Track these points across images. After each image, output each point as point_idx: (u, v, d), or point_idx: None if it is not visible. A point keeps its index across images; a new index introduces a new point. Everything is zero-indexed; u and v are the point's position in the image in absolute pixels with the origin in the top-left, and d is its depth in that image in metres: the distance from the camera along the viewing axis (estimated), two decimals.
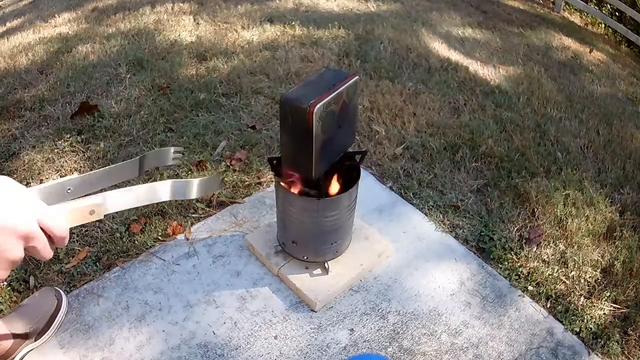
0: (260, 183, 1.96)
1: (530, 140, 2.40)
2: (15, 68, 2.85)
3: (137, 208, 1.74)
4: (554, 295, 1.61)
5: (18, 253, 0.49)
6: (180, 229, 1.73)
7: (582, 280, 1.67)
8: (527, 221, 1.89)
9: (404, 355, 1.39)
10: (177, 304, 1.49)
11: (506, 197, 1.99)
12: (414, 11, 4.25)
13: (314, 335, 1.42)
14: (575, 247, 1.79)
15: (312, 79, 1.27)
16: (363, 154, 1.45)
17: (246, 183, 1.95)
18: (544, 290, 1.61)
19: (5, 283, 1.51)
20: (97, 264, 1.60)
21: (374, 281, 1.59)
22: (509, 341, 1.45)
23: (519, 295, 1.59)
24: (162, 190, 0.67)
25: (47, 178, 1.95)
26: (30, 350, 1.32)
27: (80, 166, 2.02)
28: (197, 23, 3.50)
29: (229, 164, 2.04)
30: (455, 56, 3.34)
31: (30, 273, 1.55)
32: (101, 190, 0.61)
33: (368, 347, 1.40)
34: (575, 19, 5.99)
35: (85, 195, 0.59)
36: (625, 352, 1.46)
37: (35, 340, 1.32)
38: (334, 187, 1.48)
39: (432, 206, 1.90)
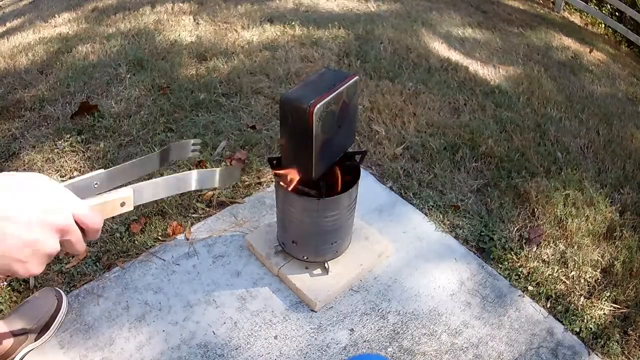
0: (260, 183, 1.96)
1: (530, 140, 2.40)
2: (15, 68, 2.85)
3: (137, 207, 1.74)
4: (554, 295, 1.61)
5: (55, 247, 0.50)
6: (180, 229, 1.73)
7: (582, 280, 1.67)
8: (527, 221, 1.89)
9: (404, 355, 1.39)
10: (177, 304, 1.49)
11: (506, 197, 1.99)
12: (414, 11, 4.25)
13: (314, 335, 1.42)
14: (575, 247, 1.79)
15: (312, 79, 1.27)
16: (363, 154, 1.45)
17: (246, 183, 1.95)
18: (544, 290, 1.61)
19: (5, 283, 1.52)
20: (97, 264, 1.60)
21: (374, 281, 1.59)
22: (509, 341, 1.45)
23: (519, 295, 1.59)
24: (187, 180, 0.70)
25: None
26: (30, 350, 1.32)
27: (80, 166, 2.02)
28: (197, 23, 3.50)
29: (229, 164, 2.04)
30: (455, 56, 3.34)
31: None
32: (126, 184, 0.63)
33: (368, 347, 1.40)
34: (575, 19, 5.99)
35: (112, 189, 0.60)
36: (625, 352, 1.46)
37: (35, 340, 1.32)
38: (334, 187, 1.47)
39: (432, 206, 1.90)
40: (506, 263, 1.70)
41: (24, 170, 1.99)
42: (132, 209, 0.61)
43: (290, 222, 1.47)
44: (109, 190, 0.60)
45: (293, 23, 3.48)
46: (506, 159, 2.21)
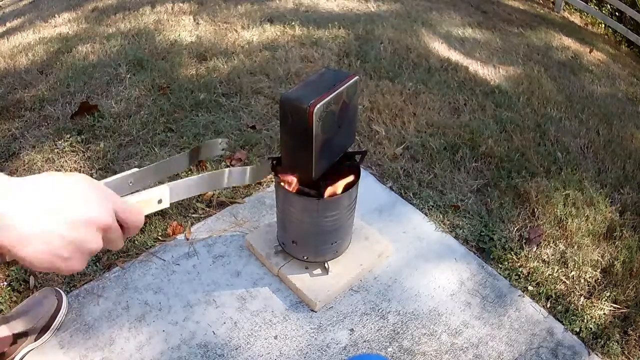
0: (260, 183, 1.96)
1: (530, 140, 2.40)
2: (15, 68, 2.85)
3: None
4: (554, 295, 1.61)
5: (98, 244, 0.51)
6: (180, 229, 1.73)
7: (582, 280, 1.67)
8: (527, 221, 1.89)
9: (404, 355, 1.39)
10: (177, 304, 1.49)
11: (506, 197, 1.99)
12: (414, 11, 4.25)
13: (314, 335, 1.42)
14: (575, 247, 1.79)
15: (312, 79, 1.27)
16: (363, 154, 1.45)
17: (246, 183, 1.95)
18: (544, 290, 1.61)
19: (5, 283, 1.52)
20: (97, 264, 1.60)
21: (374, 281, 1.59)
22: (509, 341, 1.45)
23: (519, 295, 1.59)
24: (219, 178, 0.76)
25: None
26: (30, 350, 1.32)
27: (80, 166, 2.02)
28: (197, 23, 3.50)
29: (229, 164, 2.04)
30: (455, 56, 3.34)
31: (30, 273, 1.55)
32: (157, 182, 0.66)
33: (368, 347, 1.40)
34: (575, 19, 5.99)
35: (146, 187, 0.63)
36: (625, 352, 1.46)
37: (35, 340, 1.32)
38: (334, 187, 1.47)
39: (432, 206, 1.90)
40: (506, 263, 1.70)
41: (24, 170, 1.99)
42: (168, 205, 0.64)
43: (290, 222, 1.47)
44: (144, 189, 0.63)
45: (293, 23, 3.48)
46: (506, 159, 2.21)
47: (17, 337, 1.27)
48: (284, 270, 1.55)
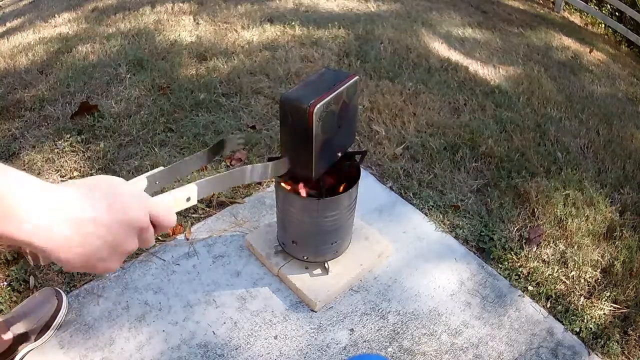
0: (260, 183, 1.96)
1: (530, 140, 2.40)
2: (15, 68, 2.85)
3: None
4: (554, 295, 1.61)
5: (134, 245, 0.54)
6: (180, 229, 1.73)
7: (582, 280, 1.67)
8: (527, 221, 1.89)
9: (404, 355, 1.39)
10: (177, 304, 1.49)
11: (506, 197, 1.99)
12: (414, 11, 4.25)
13: (314, 335, 1.42)
14: (575, 247, 1.79)
15: (312, 79, 1.27)
16: (363, 154, 1.45)
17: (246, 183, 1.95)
18: (544, 290, 1.61)
19: (5, 283, 1.52)
20: None
21: (374, 281, 1.59)
22: (509, 341, 1.45)
23: (519, 295, 1.59)
24: (243, 174, 0.81)
25: (47, 178, 1.95)
26: (30, 350, 1.32)
27: (80, 166, 2.02)
28: (197, 23, 3.50)
29: (229, 164, 2.04)
30: (455, 56, 3.34)
31: (30, 273, 1.55)
32: (179, 179, 0.74)
33: (368, 347, 1.40)
34: (575, 19, 5.99)
35: (172, 185, 0.69)
36: (625, 352, 1.46)
37: (35, 340, 1.32)
38: (334, 187, 1.47)
39: (432, 206, 1.90)
40: (506, 263, 1.70)
41: (24, 170, 1.99)
42: (195, 202, 0.68)
43: (290, 222, 1.47)
44: (169, 185, 0.68)
45: (293, 23, 3.48)
46: (506, 159, 2.21)
47: (17, 337, 1.27)
48: (284, 270, 1.55)
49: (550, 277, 1.66)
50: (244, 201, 1.87)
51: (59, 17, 3.78)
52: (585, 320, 1.53)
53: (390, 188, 1.99)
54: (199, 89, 2.56)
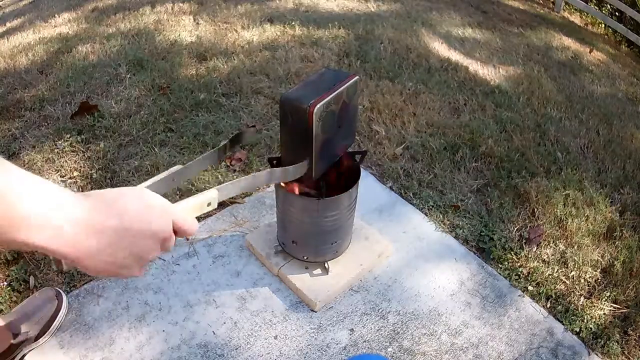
0: None
1: (530, 140, 2.40)
2: (15, 68, 2.85)
3: None
4: (554, 295, 1.61)
5: (157, 253, 0.56)
6: None
7: (582, 280, 1.67)
8: (527, 221, 1.89)
9: (404, 355, 1.39)
10: (177, 304, 1.49)
11: (506, 197, 1.99)
12: (414, 11, 4.25)
13: (314, 335, 1.42)
14: (575, 247, 1.79)
15: (312, 79, 1.27)
16: (363, 154, 1.45)
17: None
18: (544, 290, 1.61)
19: (5, 283, 1.52)
20: None
21: (374, 281, 1.59)
22: (509, 341, 1.45)
23: (519, 295, 1.59)
24: (262, 178, 0.85)
25: (47, 178, 1.95)
26: (30, 350, 1.32)
27: (80, 166, 2.02)
28: (197, 23, 3.50)
29: (229, 164, 2.04)
30: (455, 56, 3.34)
31: (30, 273, 1.55)
32: (195, 176, 0.76)
33: (368, 347, 1.40)
34: (575, 19, 5.99)
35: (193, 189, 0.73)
36: (625, 352, 1.46)
37: (35, 340, 1.32)
38: (334, 187, 1.47)
39: (432, 206, 1.90)
40: (506, 263, 1.70)
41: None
42: (215, 206, 0.70)
43: (290, 222, 1.47)
44: (185, 180, 0.69)
45: (293, 23, 3.48)
46: (506, 159, 2.21)
47: (17, 337, 1.27)
48: (284, 270, 1.55)
49: (550, 277, 1.66)
50: (244, 201, 1.87)
51: (59, 17, 3.78)
52: (585, 320, 1.53)
53: (390, 188, 1.99)
54: (199, 89, 2.56)
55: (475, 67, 3.21)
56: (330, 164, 1.33)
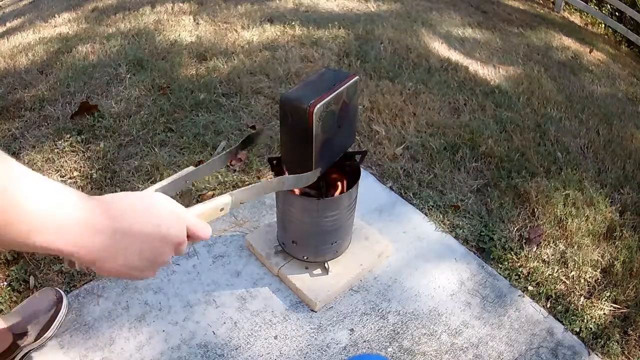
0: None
1: (530, 140, 2.40)
2: (15, 68, 2.85)
3: None
4: (554, 295, 1.61)
5: (170, 257, 0.57)
6: None
7: (582, 280, 1.67)
8: (527, 221, 1.89)
9: (404, 355, 1.39)
10: (177, 304, 1.49)
11: (506, 197, 1.99)
12: (414, 11, 4.25)
13: (314, 335, 1.42)
14: (575, 247, 1.79)
15: (312, 79, 1.27)
16: (363, 154, 1.45)
17: (246, 183, 1.95)
18: (544, 290, 1.61)
19: (5, 283, 1.52)
20: None
21: (374, 281, 1.59)
22: (509, 341, 1.45)
23: (519, 295, 1.59)
24: (274, 185, 0.87)
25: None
26: (30, 350, 1.32)
27: (80, 166, 2.02)
28: (197, 23, 3.50)
29: (229, 164, 2.04)
30: (455, 56, 3.34)
31: (30, 273, 1.55)
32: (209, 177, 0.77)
33: (368, 347, 1.40)
34: (575, 19, 5.99)
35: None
36: (625, 352, 1.46)
37: (35, 340, 1.32)
38: (334, 187, 1.48)
39: (432, 206, 1.90)
40: (506, 263, 1.70)
41: None
42: (228, 212, 0.71)
43: (290, 222, 1.47)
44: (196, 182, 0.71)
45: (293, 23, 3.48)
46: (506, 159, 2.21)
47: (17, 337, 1.27)
48: (284, 270, 1.55)
49: (550, 277, 1.66)
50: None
51: (59, 17, 3.78)
52: (585, 320, 1.53)
53: (390, 188, 1.99)
54: (199, 89, 2.56)
55: (475, 67, 3.21)
56: (330, 164, 1.33)
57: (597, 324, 1.53)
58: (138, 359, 1.34)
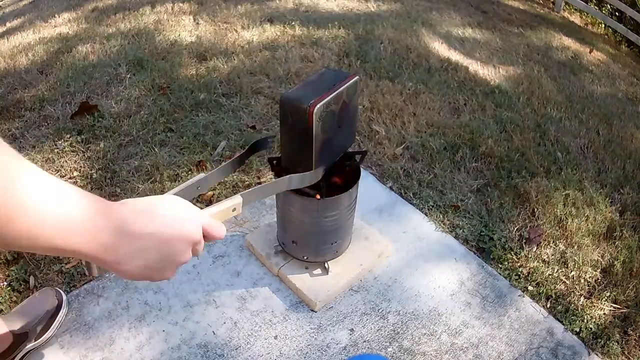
0: (260, 183, 1.96)
1: (530, 140, 2.40)
2: (15, 68, 2.85)
3: None
4: (554, 295, 1.61)
5: (189, 257, 0.59)
6: None
7: (582, 280, 1.67)
8: (527, 221, 1.89)
9: (404, 355, 1.39)
10: (177, 304, 1.49)
11: (506, 197, 1.99)
12: (414, 11, 4.25)
13: (314, 335, 1.42)
14: (575, 247, 1.79)
15: (312, 79, 1.27)
16: (363, 154, 1.45)
17: (246, 183, 1.95)
18: (544, 290, 1.61)
19: (5, 283, 1.52)
20: None
21: (374, 281, 1.59)
22: (509, 341, 1.45)
23: (519, 295, 1.59)
24: (282, 184, 0.93)
25: None
26: (30, 350, 1.32)
27: (80, 166, 2.02)
28: (197, 23, 3.50)
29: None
30: (455, 56, 3.34)
31: (30, 273, 1.55)
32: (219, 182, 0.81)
33: (368, 347, 1.40)
34: (575, 19, 5.99)
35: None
36: (625, 352, 1.46)
37: (35, 340, 1.32)
38: (334, 187, 1.47)
39: (432, 206, 1.90)
40: (506, 263, 1.70)
41: None
42: (240, 212, 0.73)
43: (290, 222, 1.47)
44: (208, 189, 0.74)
45: (293, 23, 3.48)
46: (506, 159, 2.21)
47: (17, 337, 1.27)
48: (284, 270, 1.55)
49: (550, 277, 1.66)
50: None
51: (59, 17, 3.78)
52: (585, 320, 1.53)
53: (390, 188, 1.99)
54: (199, 89, 2.56)
55: (475, 67, 3.21)
56: (330, 164, 1.33)
57: (597, 324, 1.53)
58: (138, 359, 1.34)
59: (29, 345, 1.31)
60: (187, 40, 3.19)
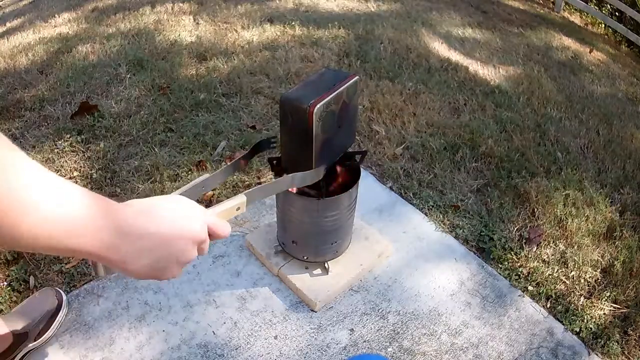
0: (260, 183, 1.96)
1: (530, 140, 2.40)
2: (15, 68, 2.85)
3: None
4: (554, 295, 1.61)
5: (194, 255, 0.59)
6: None
7: (582, 280, 1.67)
8: (527, 221, 1.89)
9: (404, 355, 1.39)
10: (177, 304, 1.49)
11: (506, 197, 1.99)
12: (414, 11, 4.25)
13: (314, 335, 1.42)
14: (575, 247, 1.79)
15: (312, 79, 1.27)
16: (363, 154, 1.45)
17: (246, 183, 1.95)
18: (544, 290, 1.61)
19: (5, 283, 1.52)
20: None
21: (374, 281, 1.59)
22: (509, 341, 1.45)
23: (519, 295, 1.59)
24: (286, 183, 0.94)
25: None
26: (30, 350, 1.32)
27: (80, 166, 2.02)
28: (197, 23, 3.50)
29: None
30: (455, 56, 3.34)
31: (30, 273, 1.55)
32: (223, 182, 0.83)
33: (368, 347, 1.40)
34: (575, 19, 5.99)
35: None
36: (625, 352, 1.46)
37: (35, 340, 1.32)
38: (334, 187, 1.47)
39: (432, 206, 1.90)
40: (506, 263, 1.70)
41: None
42: (244, 210, 0.74)
43: (290, 222, 1.47)
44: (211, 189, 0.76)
45: (293, 23, 3.48)
46: (506, 159, 2.21)
47: (17, 337, 1.27)
48: (284, 270, 1.55)
49: (550, 277, 1.66)
50: None
51: (59, 17, 3.78)
52: (585, 320, 1.53)
53: (390, 188, 1.99)
54: (199, 89, 2.56)
55: (475, 67, 3.21)
56: (330, 164, 1.33)
57: (597, 324, 1.53)
58: (138, 359, 1.34)
59: (29, 345, 1.31)
60: (187, 40, 3.19)
